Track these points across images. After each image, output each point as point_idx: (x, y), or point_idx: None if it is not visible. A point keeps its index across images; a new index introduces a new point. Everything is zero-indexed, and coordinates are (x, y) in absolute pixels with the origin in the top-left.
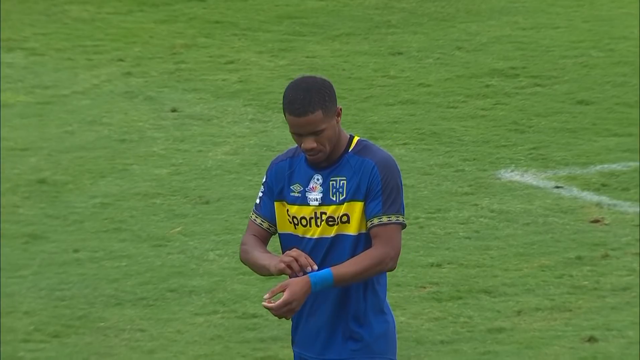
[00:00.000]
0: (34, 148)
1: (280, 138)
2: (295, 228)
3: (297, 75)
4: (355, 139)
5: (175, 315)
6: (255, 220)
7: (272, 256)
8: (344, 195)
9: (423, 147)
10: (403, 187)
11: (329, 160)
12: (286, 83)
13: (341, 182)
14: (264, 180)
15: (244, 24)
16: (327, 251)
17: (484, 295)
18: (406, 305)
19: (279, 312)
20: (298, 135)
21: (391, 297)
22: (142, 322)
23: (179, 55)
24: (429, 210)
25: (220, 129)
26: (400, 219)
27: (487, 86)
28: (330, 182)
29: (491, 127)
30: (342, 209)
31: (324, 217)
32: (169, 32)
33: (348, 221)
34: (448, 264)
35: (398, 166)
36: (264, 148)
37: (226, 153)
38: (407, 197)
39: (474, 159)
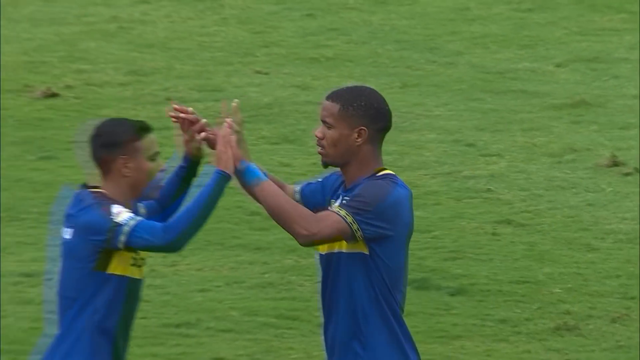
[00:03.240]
0: None
1: None
2: None
3: None
4: (383, 171)
5: None
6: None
7: None
8: None
9: None
10: (382, 213)
11: (348, 182)
12: None
13: None
14: (323, 175)
15: None
16: (334, 269)
17: None
18: None
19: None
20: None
21: None
22: None
23: None
24: None
25: None
26: (349, 218)
27: None
28: None
29: None
30: None
31: None
32: None
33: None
34: None
35: (392, 196)
36: None
37: None
38: None
39: None
